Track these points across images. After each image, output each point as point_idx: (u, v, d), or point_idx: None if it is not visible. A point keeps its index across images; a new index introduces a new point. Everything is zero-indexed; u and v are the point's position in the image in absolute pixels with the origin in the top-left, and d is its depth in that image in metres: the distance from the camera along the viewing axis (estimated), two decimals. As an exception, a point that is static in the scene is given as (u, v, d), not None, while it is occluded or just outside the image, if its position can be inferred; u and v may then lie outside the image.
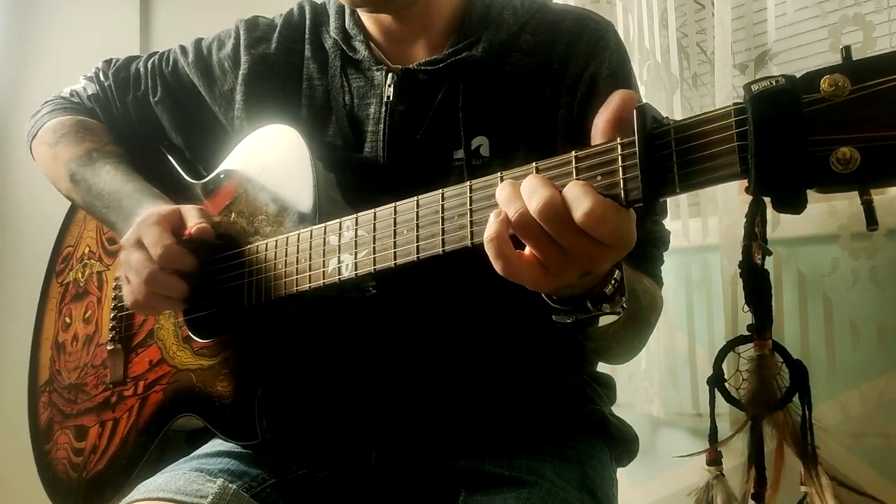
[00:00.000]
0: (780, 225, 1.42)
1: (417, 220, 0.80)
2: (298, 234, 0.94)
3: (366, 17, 1.11)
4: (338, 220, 0.90)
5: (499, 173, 0.74)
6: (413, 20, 1.07)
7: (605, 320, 0.82)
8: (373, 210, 0.86)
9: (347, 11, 1.12)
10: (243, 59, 1.15)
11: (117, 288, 1.22)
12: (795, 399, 0.69)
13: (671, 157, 0.63)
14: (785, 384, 0.68)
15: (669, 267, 1.09)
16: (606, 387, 1.18)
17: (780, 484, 0.72)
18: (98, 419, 1.19)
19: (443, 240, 0.77)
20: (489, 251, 0.70)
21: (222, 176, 1.11)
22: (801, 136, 0.56)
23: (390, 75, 1.06)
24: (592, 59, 1.04)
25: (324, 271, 0.90)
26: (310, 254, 0.92)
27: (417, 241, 0.80)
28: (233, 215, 1.06)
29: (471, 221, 0.75)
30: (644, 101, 0.68)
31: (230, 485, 0.93)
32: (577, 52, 1.05)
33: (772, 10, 1.48)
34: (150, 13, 2.46)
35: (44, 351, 1.36)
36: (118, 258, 1.07)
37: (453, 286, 0.98)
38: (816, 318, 1.42)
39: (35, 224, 2.20)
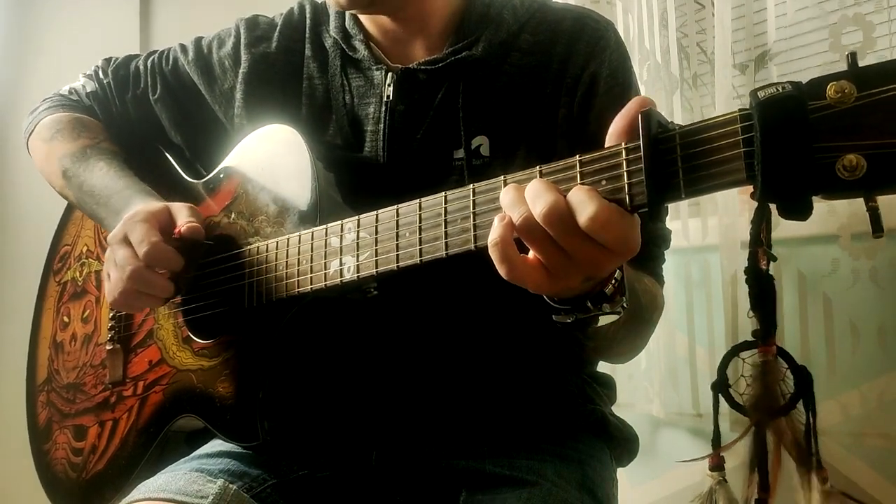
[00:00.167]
0: (780, 225, 1.41)
1: (420, 222, 0.80)
2: (299, 236, 0.94)
3: (364, 17, 1.11)
4: (339, 222, 0.90)
5: (502, 177, 0.74)
6: (410, 20, 1.07)
7: (605, 320, 0.82)
8: (375, 212, 0.86)
9: None
10: (243, 58, 1.14)
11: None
12: (799, 405, 0.69)
13: (676, 162, 0.63)
14: (789, 390, 0.68)
15: (669, 267, 1.10)
16: (606, 387, 1.18)
17: (776, 490, 0.72)
18: (97, 419, 1.19)
19: (446, 243, 0.77)
20: (493, 255, 0.70)
21: (222, 175, 1.11)
22: (808, 142, 0.56)
23: (390, 75, 1.06)
24: (592, 59, 1.04)
25: (325, 273, 0.90)
26: (311, 255, 0.92)
27: (420, 245, 0.80)
28: (233, 215, 1.06)
29: (474, 225, 0.75)
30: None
31: (231, 485, 0.93)
32: (577, 52, 1.04)
33: (772, 10, 1.48)
34: (150, 13, 2.45)
35: (42, 350, 1.35)
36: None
37: (454, 287, 0.98)
38: (816, 318, 1.42)
39: (33, 223, 2.19)
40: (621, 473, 1.16)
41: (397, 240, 0.82)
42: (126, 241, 1.00)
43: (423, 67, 1.04)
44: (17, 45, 2.43)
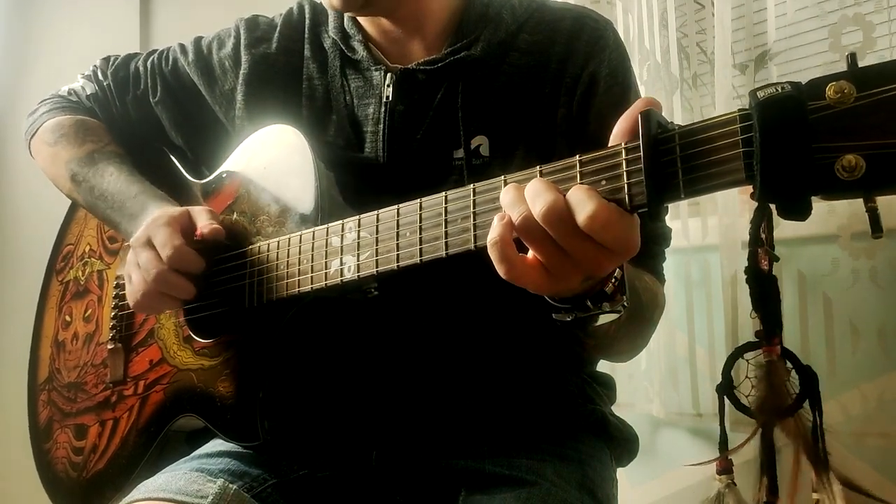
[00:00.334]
0: (779, 225, 1.41)
1: (420, 222, 0.80)
2: (300, 236, 0.94)
3: (362, 18, 1.11)
4: (340, 222, 0.90)
5: (502, 176, 0.74)
6: (406, 21, 1.07)
7: (605, 318, 0.82)
8: (375, 212, 0.86)
9: None
10: (244, 58, 1.14)
11: (118, 287, 1.21)
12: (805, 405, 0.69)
13: (676, 162, 0.63)
14: (795, 390, 0.68)
15: (669, 267, 1.10)
16: (606, 387, 1.18)
17: (798, 490, 0.72)
18: (98, 418, 1.19)
19: (446, 243, 0.77)
20: (492, 255, 0.70)
21: (224, 176, 1.11)
22: (807, 143, 0.56)
23: (389, 75, 1.06)
24: (591, 58, 1.04)
25: (326, 273, 0.90)
26: (312, 255, 0.92)
27: (420, 244, 0.80)
28: (234, 215, 1.06)
29: (474, 224, 0.75)
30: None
31: (231, 485, 0.93)
32: (576, 51, 1.04)
33: (772, 10, 1.48)
34: (150, 13, 2.45)
35: (43, 349, 1.35)
36: (120, 257, 1.07)
37: (454, 288, 0.98)
38: (816, 318, 1.42)
39: (35, 222, 2.19)
40: (621, 473, 1.16)
41: (398, 239, 0.82)
42: (149, 244, 1.01)
43: (422, 68, 1.04)
44: (17, 45, 2.43)
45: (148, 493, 0.93)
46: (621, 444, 1.12)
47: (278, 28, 1.16)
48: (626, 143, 0.66)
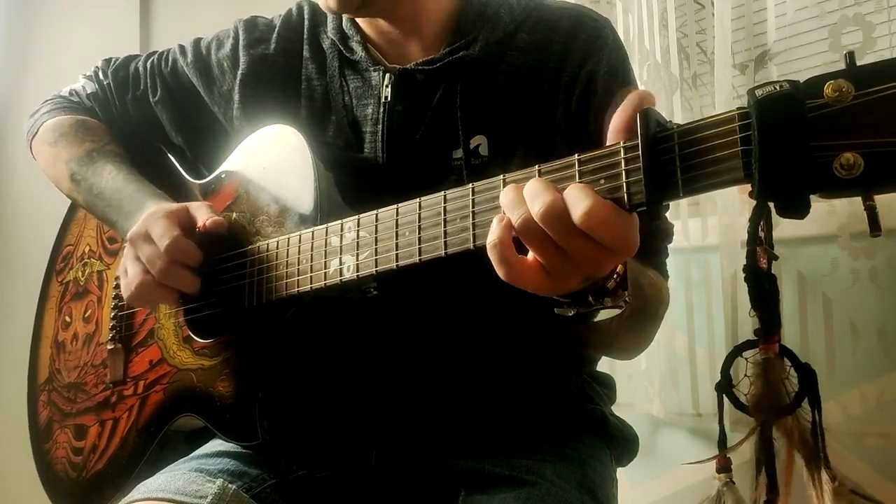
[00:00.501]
0: (779, 225, 1.41)
1: (419, 221, 0.80)
2: (300, 235, 0.94)
3: (360, 19, 1.11)
4: (339, 222, 0.90)
5: (501, 176, 0.74)
6: (403, 21, 1.07)
7: (607, 313, 0.82)
8: (374, 211, 0.86)
9: None
10: (242, 59, 1.14)
11: (118, 287, 1.21)
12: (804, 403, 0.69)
13: (674, 161, 0.63)
14: (793, 388, 0.68)
15: (669, 267, 1.09)
16: (606, 386, 1.18)
17: (791, 488, 0.72)
18: (98, 418, 1.19)
19: (445, 242, 0.77)
20: (492, 256, 0.70)
21: (223, 176, 1.11)
22: (805, 141, 0.56)
23: (388, 76, 1.06)
24: (590, 57, 1.04)
25: (325, 272, 0.90)
26: (311, 255, 0.92)
27: (419, 244, 0.80)
28: (234, 215, 1.06)
29: (473, 224, 0.75)
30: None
31: (230, 485, 0.93)
32: (575, 50, 1.04)
33: (772, 10, 1.48)
34: (150, 13, 2.46)
35: (43, 349, 1.35)
36: (119, 257, 1.07)
37: (453, 287, 0.98)
38: (816, 318, 1.42)
39: (35, 223, 2.19)
40: (621, 473, 1.16)
41: (397, 239, 0.82)
42: (147, 236, 1.01)
43: (420, 68, 1.04)
44: (18, 45, 2.43)
45: (147, 493, 0.93)
46: (621, 443, 1.12)
47: (277, 29, 1.16)
48: (624, 142, 0.66)
